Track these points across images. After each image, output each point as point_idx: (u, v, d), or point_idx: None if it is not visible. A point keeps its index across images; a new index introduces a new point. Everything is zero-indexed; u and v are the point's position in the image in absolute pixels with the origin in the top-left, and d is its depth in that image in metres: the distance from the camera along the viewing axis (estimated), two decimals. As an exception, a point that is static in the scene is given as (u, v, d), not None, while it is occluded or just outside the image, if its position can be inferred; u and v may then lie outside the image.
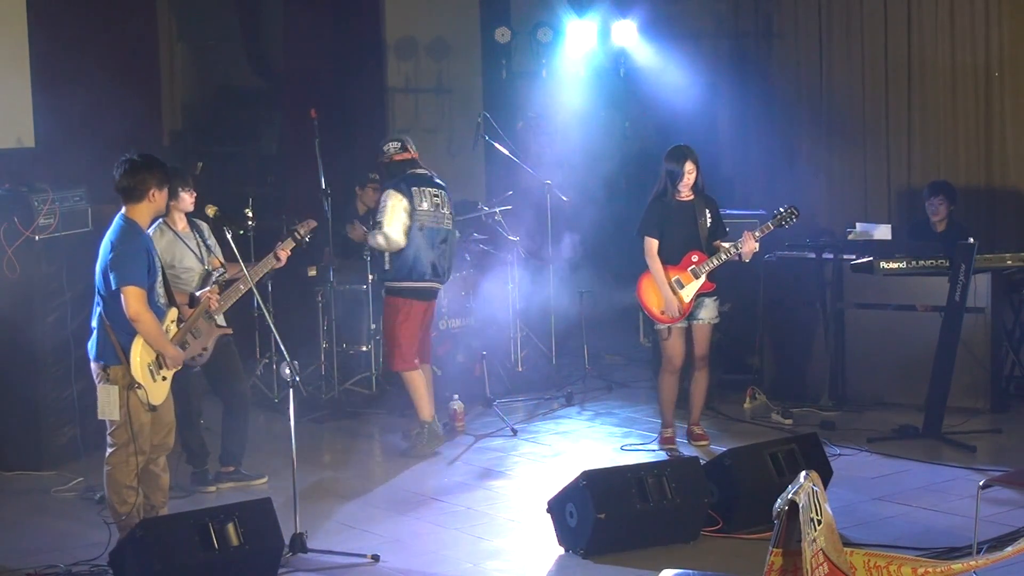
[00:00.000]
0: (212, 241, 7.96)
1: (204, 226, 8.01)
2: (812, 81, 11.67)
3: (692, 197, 8.50)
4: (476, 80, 12.68)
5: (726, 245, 8.45)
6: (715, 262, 8.41)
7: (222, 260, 7.89)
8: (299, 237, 8.05)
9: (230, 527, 6.17)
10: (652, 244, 8.42)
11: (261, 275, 7.95)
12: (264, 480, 8.05)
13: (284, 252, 7.95)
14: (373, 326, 10.06)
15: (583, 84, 12.06)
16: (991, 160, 10.69)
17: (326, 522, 7.23)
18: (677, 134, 9.97)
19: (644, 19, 11.87)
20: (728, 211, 10.34)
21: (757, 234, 8.43)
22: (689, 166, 8.43)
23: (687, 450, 8.52)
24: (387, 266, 8.77)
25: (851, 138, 11.44)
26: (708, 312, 8.55)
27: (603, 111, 12.08)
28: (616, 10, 11.86)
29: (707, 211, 8.51)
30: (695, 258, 8.41)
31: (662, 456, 8.37)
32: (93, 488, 7.76)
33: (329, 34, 12.03)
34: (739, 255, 8.40)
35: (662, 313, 8.42)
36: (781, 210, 8.51)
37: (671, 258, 8.42)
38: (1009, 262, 8.99)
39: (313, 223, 8.21)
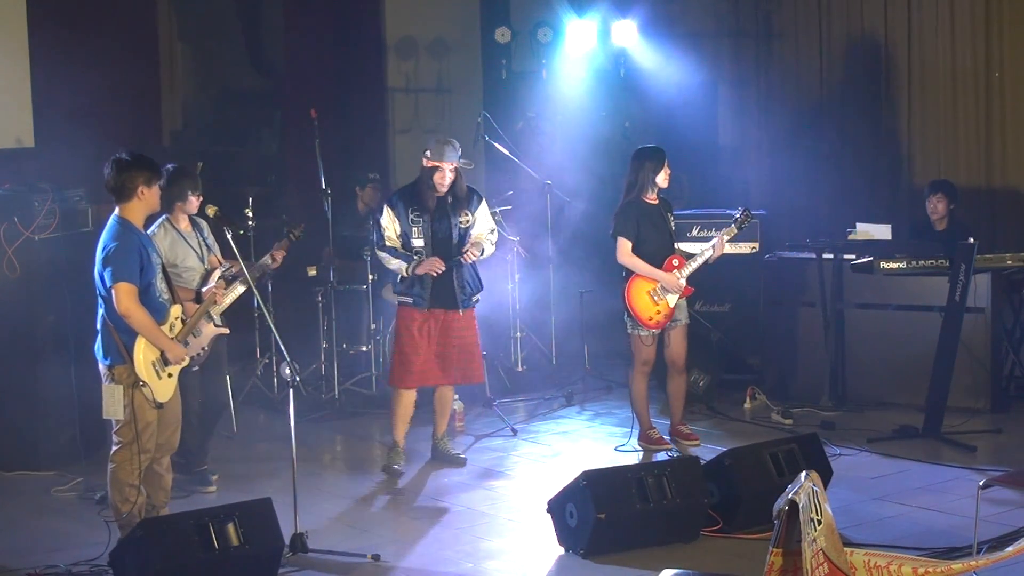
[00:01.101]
0: (211, 240, 7.98)
1: (204, 224, 8.02)
2: (812, 81, 11.67)
3: (657, 201, 8.52)
4: (476, 80, 12.68)
5: (701, 248, 8.48)
6: (693, 266, 8.42)
7: (220, 259, 7.90)
8: (293, 239, 8.28)
9: (230, 527, 6.17)
10: (627, 245, 8.40)
11: (258, 277, 7.98)
12: (213, 489, 7.99)
13: (280, 253, 8.12)
14: (373, 326, 10.06)
15: (583, 84, 12.05)
16: (991, 160, 10.68)
17: (326, 522, 7.23)
18: (677, 134, 9.99)
19: (644, 19, 11.86)
20: (728, 211, 10.38)
21: (726, 238, 8.47)
22: (667, 171, 8.48)
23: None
24: (479, 275, 8.33)
25: (851, 138, 11.44)
26: (683, 314, 8.58)
27: (603, 111, 12.07)
28: (616, 10, 11.85)
29: (668, 214, 8.54)
30: (675, 262, 8.41)
31: (662, 456, 8.37)
32: (93, 488, 7.77)
33: (329, 34, 12.03)
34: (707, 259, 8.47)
35: (650, 319, 8.41)
36: (738, 215, 8.56)
37: (652, 263, 8.40)
38: (1009, 262, 9.00)
39: (302, 225, 8.42)
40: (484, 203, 8.31)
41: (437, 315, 8.13)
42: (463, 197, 8.14)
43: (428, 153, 8.06)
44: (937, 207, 9.90)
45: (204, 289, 7.41)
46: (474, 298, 8.29)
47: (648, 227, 8.44)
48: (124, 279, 6.38)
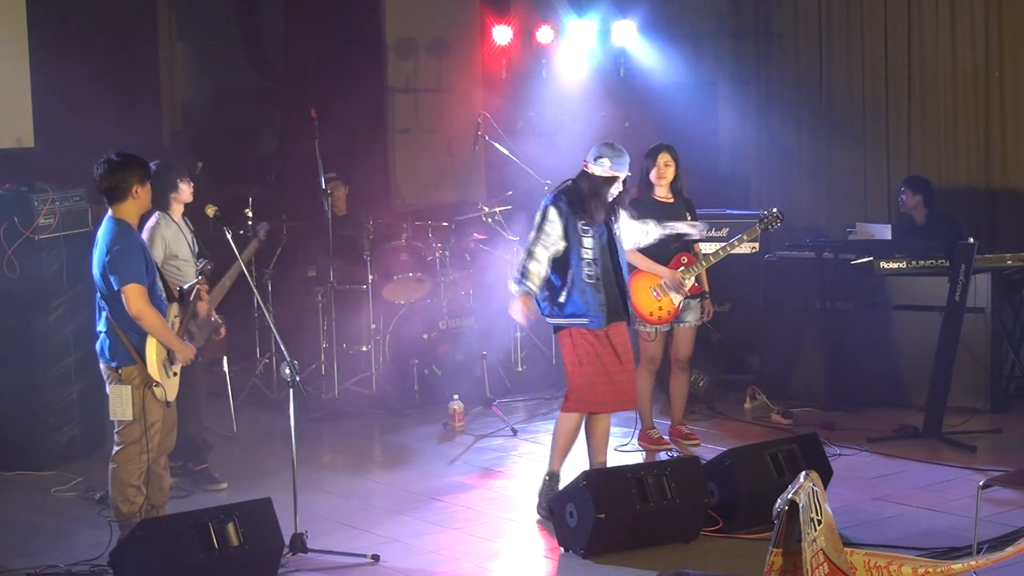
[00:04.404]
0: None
1: (189, 223, 8.08)
2: (812, 81, 11.67)
3: (672, 199, 8.50)
4: (476, 80, 12.68)
5: (715, 247, 8.46)
6: (705, 264, 8.41)
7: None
8: (262, 238, 8.72)
9: (230, 527, 6.17)
10: None
11: (237, 272, 8.10)
12: (224, 486, 7.99)
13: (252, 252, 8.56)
14: (373, 326, 10.06)
15: (583, 84, 12.05)
16: (991, 160, 10.69)
17: (326, 522, 7.23)
18: (677, 134, 9.97)
19: (644, 19, 11.87)
20: (728, 211, 10.40)
21: (745, 237, 8.44)
22: (664, 158, 8.45)
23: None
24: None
25: (851, 138, 11.44)
26: (693, 315, 8.55)
27: (603, 111, 12.08)
28: (616, 10, 11.86)
29: (687, 214, 8.52)
30: (685, 260, 8.40)
31: (662, 456, 8.38)
32: (93, 488, 7.77)
33: (329, 34, 12.04)
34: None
35: (650, 315, 8.41)
36: (766, 213, 8.51)
37: (661, 260, 8.38)
38: (1009, 262, 9.01)
39: (267, 224, 8.95)
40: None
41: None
42: (615, 205, 7.42)
43: (605, 162, 7.21)
44: (907, 201, 10.05)
45: (187, 286, 7.40)
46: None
47: None
48: (133, 280, 6.37)
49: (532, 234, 7.26)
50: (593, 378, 7.28)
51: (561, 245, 7.21)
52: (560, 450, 7.43)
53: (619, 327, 7.35)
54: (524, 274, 7.21)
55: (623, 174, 7.26)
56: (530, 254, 7.23)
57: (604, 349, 7.28)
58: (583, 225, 7.23)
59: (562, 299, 7.25)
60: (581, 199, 7.26)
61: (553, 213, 7.23)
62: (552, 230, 7.20)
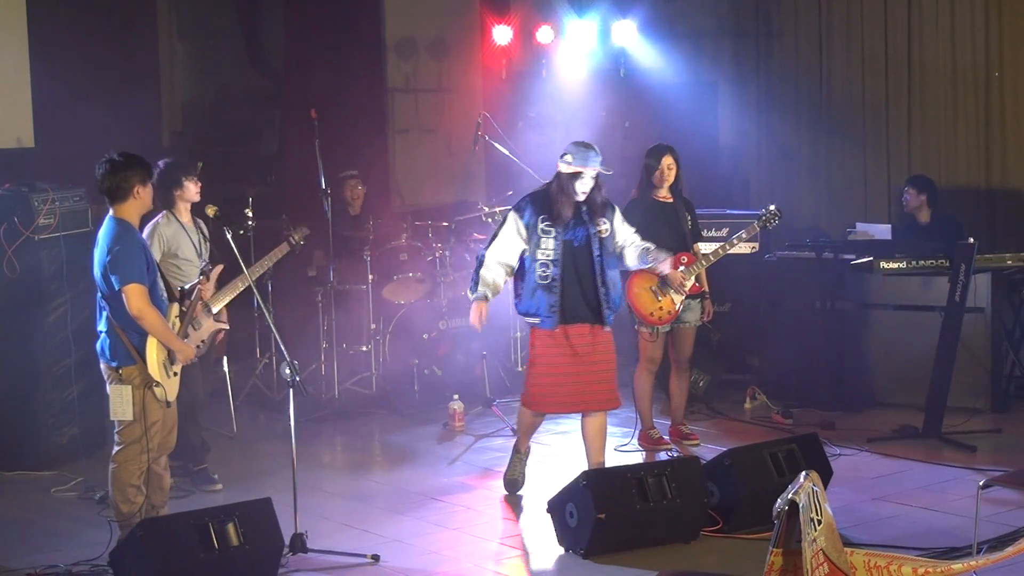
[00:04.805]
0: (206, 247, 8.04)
1: (203, 225, 8.07)
2: (812, 81, 11.67)
3: (671, 199, 8.51)
4: (476, 80, 12.68)
5: (714, 247, 8.46)
6: (704, 263, 8.41)
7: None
8: (294, 242, 8.60)
9: (230, 527, 6.17)
10: None
11: (259, 273, 8.10)
12: (219, 487, 7.99)
13: (279, 254, 8.48)
14: (373, 326, 10.06)
15: (583, 84, 12.05)
16: (991, 160, 10.69)
17: (326, 522, 7.23)
18: (677, 134, 9.98)
19: (644, 19, 11.87)
20: (728, 211, 10.40)
21: (744, 235, 8.45)
22: (667, 161, 8.46)
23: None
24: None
25: (851, 138, 11.44)
26: (693, 315, 8.56)
27: (603, 111, 12.08)
28: (616, 10, 11.86)
29: (687, 214, 8.52)
30: (684, 259, 8.40)
31: (662, 456, 8.38)
32: (93, 488, 7.77)
33: (329, 34, 12.05)
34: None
35: (651, 315, 8.40)
36: (764, 211, 8.52)
37: None
38: (1009, 262, 9.03)
39: (307, 230, 8.68)
40: (618, 211, 7.56)
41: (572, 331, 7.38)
42: (600, 205, 7.36)
43: (568, 158, 7.28)
44: (910, 201, 10.02)
45: (187, 286, 7.41)
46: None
47: (660, 225, 8.40)
48: (134, 280, 6.38)
49: (489, 240, 7.46)
50: (539, 379, 7.46)
51: (522, 246, 7.36)
52: (522, 434, 7.82)
53: (582, 328, 7.38)
54: (476, 281, 7.38)
55: (588, 169, 7.28)
56: (481, 262, 7.41)
57: (558, 349, 7.37)
58: (546, 226, 7.31)
59: (520, 298, 7.45)
60: (549, 199, 7.36)
61: (511, 218, 7.40)
62: (506, 235, 7.37)
